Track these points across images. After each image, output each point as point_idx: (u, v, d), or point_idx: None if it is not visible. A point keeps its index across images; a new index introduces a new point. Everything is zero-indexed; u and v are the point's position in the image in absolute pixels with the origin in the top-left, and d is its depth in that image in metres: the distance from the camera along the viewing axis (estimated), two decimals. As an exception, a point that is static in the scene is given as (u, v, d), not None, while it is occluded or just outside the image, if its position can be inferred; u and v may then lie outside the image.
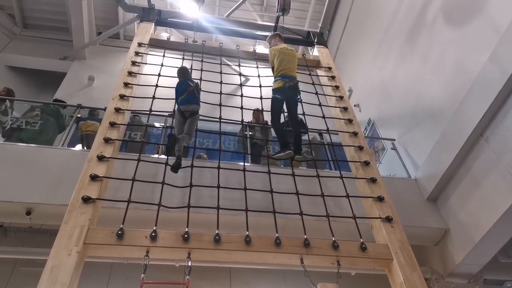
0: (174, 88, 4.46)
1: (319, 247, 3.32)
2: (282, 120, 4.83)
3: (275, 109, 4.70)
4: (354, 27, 9.84)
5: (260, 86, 5.23)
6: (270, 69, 5.16)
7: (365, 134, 8.02)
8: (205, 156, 5.84)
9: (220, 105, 4.79)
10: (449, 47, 5.80)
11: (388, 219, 3.67)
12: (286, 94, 4.67)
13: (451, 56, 5.73)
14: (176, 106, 4.35)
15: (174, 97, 4.41)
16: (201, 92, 4.61)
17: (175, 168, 3.94)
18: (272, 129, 5.58)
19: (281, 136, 4.65)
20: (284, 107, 4.82)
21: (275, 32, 5.81)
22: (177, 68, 4.61)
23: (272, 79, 4.93)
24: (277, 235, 3.32)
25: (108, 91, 4.95)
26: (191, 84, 4.38)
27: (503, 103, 4.47)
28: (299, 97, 4.87)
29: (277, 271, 5.83)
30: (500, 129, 4.51)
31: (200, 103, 4.47)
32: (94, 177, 3.38)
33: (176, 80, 4.55)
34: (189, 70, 4.76)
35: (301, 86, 5.09)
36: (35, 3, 10.60)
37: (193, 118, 4.27)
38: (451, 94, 5.48)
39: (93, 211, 3.14)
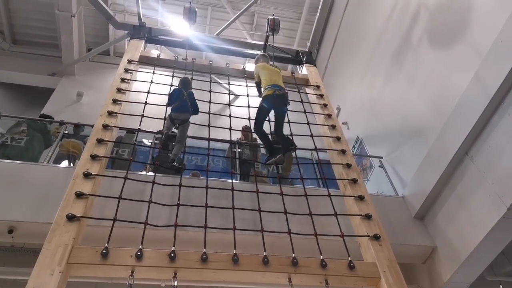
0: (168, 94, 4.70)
1: (307, 266, 3.30)
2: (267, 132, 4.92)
3: (260, 117, 4.78)
4: (343, 46, 10.04)
5: (249, 107, 5.26)
6: (255, 86, 5.31)
7: (353, 151, 8.09)
8: (199, 173, 5.81)
9: (209, 126, 4.80)
10: (434, 67, 5.94)
11: (376, 237, 3.67)
12: (274, 102, 4.77)
13: (436, 76, 5.87)
14: (169, 111, 4.59)
15: (167, 102, 4.69)
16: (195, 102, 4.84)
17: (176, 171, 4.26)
18: (260, 148, 5.63)
19: (266, 140, 4.78)
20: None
21: (262, 53, 5.96)
22: (180, 79, 4.97)
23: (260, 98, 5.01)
24: (265, 253, 3.29)
25: (97, 108, 4.93)
26: (185, 93, 4.64)
27: (486, 123, 4.57)
28: (287, 108, 4.94)
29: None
30: (485, 147, 4.59)
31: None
32: (79, 195, 3.32)
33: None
34: (191, 83, 4.99)
35: (289, 105, 5.16)
36: (25, 19, 10.60)
37: (183, 126, 4.54)
38: (437, 114, 5.59)
39: (78, 229, 3.08)
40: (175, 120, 4.50)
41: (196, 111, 4.95)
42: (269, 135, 4.94)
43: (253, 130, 4.91)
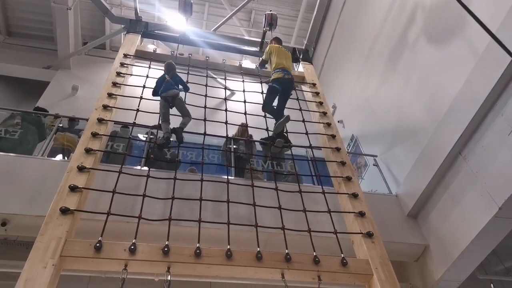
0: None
1: (300, 262, 3.32)
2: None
3: (270, 97, 5.08)
4: (339, 45, 10.06)
5: (245, 102, 5.27)
6: (258, 65, 5.74)
7: (348, 150, 8.13)
8: (195, 169, 5.81)
9: (205, 120, 4.80)
10: (429, 67, 5.98)
11: (369, 235, 3.70)
12: (283, 85, 5.05)
13: (431, 76, 5.90)
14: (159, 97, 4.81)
15: (152, 91, 4.91)
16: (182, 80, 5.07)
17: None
18: (255, 143, 5.64)
19: (273, 111, 5.06)
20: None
21: (276, 36, 6.09)
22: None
23: (256, 94, 5.02)
24: (258, 249, 3.31)
25: (92, 101, 4.91)
26: (166, 77, 4.87)
27: (480, 123, 4.61)
28: (292, 93, 5.24)
29: (258, 287, 5.76)
30: (478, 148, 4.63)
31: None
32: (73, 188, 3.32)
33: None
34: (174, 65, 5.12)
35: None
36: (20, 12, 10.50)
37: (178, 102, 4.74)
38: (431, 113, 5.63)
39: (71, 223, 3.08)
40: (167, 97, 4.68)
41: (185, 88, 5.11)
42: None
43: (262, 110, 5.12)
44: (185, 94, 5.03)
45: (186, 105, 4.90)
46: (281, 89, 5.08)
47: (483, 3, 4.93)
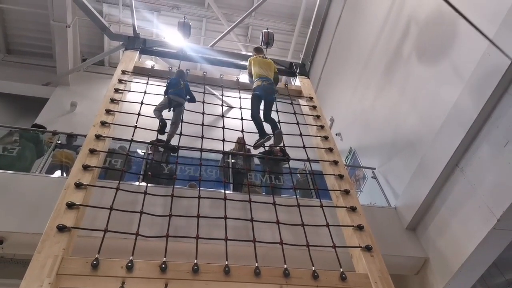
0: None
1: (299, 277, 3.29)
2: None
3: (254, 103, 5.25)
4: (336, 58, 10.17)
5: (242, 119, 5.29)
6: (249, 79, 5.79)
7: (346, 162, 8.14)
8: (195, 184, 5.80)
9: (202, 137, 4.82)
10: (424, 80, 6.04)
11: (368, 248, 3.68)
12: (263, 91, 5.24)
13: (426, 88, 5.96)
14: (166, 95, 5.11)
15: (165, 90, 5.17)
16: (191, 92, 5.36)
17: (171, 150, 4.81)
18: (253, 158, 5.66)
19: (259, 125, 5.17)
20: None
21: (257, 46, 6.18)
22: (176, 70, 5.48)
23: None
24: (256, 264, 3.29)
25: (90, 118, 4.93)
26: (182, 82, 5.17)
27: (476, 135, 4.65)
28: (275, 96, 5.41)
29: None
30: (474, 159, 4.65)
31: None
32: (70, 205, 3.31)
33: None
34: (186, 75, 5.46)
35: (283, 116, 5.33)
36: (20, 29, 10.63)
37: (178, 110, 5.04)
38: (427, 125, 5.66)
39: (68, 240, 3.06)
40: (173, 101, 4.97)
41: (192, 99, 5.39)
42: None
43: (251, 117, 5.23)
44: (183, 114, 5.15)
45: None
46: (263, 96, 5.26)
47: (477, 11, 5.02)
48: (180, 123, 5.06)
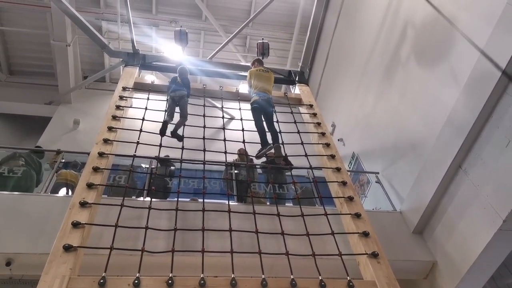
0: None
1: (306, 287, 3.28)
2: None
3: (256, 113, 5.30)
4: (335, 65, 10.22)
5: (243, 130, 5.31)
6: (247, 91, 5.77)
7: (349, 168, 8.14)
8: (197, 199, 5.81)
9: (204, 150, 4.84)
10: (424, 82, 6.05)
11: (374, 255, 3.66)
12: (261, 105, 5.27)
13: (426, 90, 5.97)
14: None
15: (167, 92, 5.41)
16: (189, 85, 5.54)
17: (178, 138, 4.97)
18: (256, 169, 5.66)
19: (262, 133, 5.18)
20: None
21: (257, 57, 6.17)
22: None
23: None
24: (263, 276, 3.28)
25: (93, 134, 4.97)
26: (178, 78, 5.47)
27: (477, 136, 4.64)
28: (273, 109, 5.45)
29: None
30: (477, 160, 4.64)
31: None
32: (76, 224, 3.33)
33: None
34: (187, 70, 5.64)
35: (284, 126, 5.39)
36: (21, 50, 10.79)
37: (182, 102, 5.26)
38: (429, 127, 5.66)
39: (75, 259, 3.08)
40: (174, 97, 5.23)
41: (188, 93, 5.50)
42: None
43: (250, 128, 5.30)
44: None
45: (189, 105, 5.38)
46: (261, 108, 5.28)
47: (470, 18, 5.05)
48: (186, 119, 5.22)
